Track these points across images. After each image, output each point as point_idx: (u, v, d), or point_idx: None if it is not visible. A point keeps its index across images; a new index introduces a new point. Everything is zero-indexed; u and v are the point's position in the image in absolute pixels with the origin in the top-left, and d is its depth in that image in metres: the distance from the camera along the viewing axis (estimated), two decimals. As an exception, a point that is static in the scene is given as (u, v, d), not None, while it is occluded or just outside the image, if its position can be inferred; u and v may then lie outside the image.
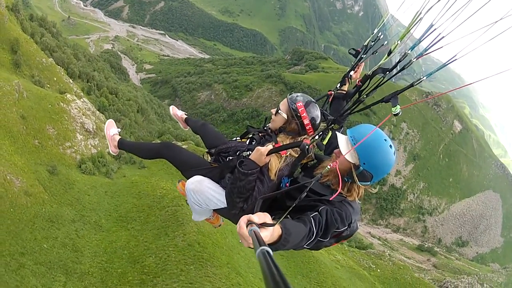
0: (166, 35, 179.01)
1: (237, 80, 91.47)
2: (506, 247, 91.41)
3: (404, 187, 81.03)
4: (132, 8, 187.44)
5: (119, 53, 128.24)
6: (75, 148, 25.04)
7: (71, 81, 34.85)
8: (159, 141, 5.28)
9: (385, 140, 2.92)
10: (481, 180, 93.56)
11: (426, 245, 70.75)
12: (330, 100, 4.03)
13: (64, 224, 19.53)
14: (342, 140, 3.04)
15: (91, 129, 27.00)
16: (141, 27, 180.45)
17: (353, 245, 41.55)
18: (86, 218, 20.60)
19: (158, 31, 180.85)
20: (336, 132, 3.16)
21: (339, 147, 3.03)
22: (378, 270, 32.40)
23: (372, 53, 3.68)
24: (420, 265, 55.52)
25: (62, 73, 33.97)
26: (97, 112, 31.20)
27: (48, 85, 30.73)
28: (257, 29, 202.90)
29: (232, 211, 3.34)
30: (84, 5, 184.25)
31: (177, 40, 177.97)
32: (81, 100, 27.79)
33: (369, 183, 3.03)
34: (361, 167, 2.93)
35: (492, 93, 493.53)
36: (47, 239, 18.41)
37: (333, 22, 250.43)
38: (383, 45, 3.31)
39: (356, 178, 2.97)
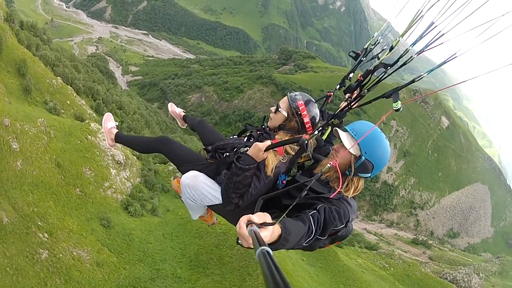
0: (149, 35, 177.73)
1: (227, 82, 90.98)
2: (496, 237, 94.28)
3: (396, 183, 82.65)
4: (115, 9, 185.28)
5: (105, 56, 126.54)
6: (114, 187, 22.93)
7: (83, 102, 32.82)
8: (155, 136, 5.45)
9: (381, 131, 3.11)
10: (469, 173, 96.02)
11: (420, 238, 72.12)
12: (329, 101, 4.01)
13: (147, 286, 18.13)
14: (343, 135, 3.14)
15: (121, 160, 24.86)
16: (124, 27, 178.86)
17: (362, 246, 42.57)
18: (162, 272, 19.18)
19: (141, 31, 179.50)
20: (337, 128, 3.25)
21: (340, 142, 3.16)
22: (392, 269, 33.51)
23: (372, 58, 3.52)
24: (417, 258, 56.50)
25: (75, 94, 31.79)
26: (119, 137, 29.56)
27: (63, 111, 28.08)
28: (240, 26, 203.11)
29: (227, 207, 3.32)
30: (66, 7, 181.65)
31: (160, 40, 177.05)
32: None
33: (369, 175, 3.11)
34: (363, 157, 3.02)
35: (475, 83, 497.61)
36: (143, 311, 17.01)
37: (315, 18, 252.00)
38: (382, 50, 3.23)
39: (355, 170, 3.05)
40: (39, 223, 17.03)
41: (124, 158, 25.34)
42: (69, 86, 32.05)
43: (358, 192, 3.13)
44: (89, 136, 23.25)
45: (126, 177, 25.02)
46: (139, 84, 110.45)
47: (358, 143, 2.99)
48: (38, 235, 16.47)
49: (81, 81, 39.23)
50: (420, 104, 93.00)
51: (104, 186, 22.28)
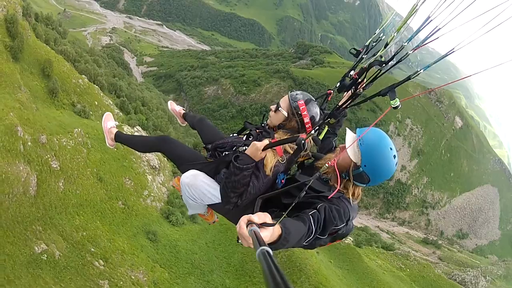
0: (164, 26, 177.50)
1: (244, 75, 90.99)
2: (503, 239, 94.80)
3: (409, 181, 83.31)
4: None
5: (120, 46, 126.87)
6: (152, 194, 22.64)
7: (110, 101, 31.54)
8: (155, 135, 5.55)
9: (391, 148, 2.97)
10: (480, 174, 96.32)
11: (430, 238, 73.20)
12: (329, 99, 3.97)
13: (201, 300, 17.80)
14: (350, 136, 3.10)
15: (156, 165, 24.49)
16: (138, 17, 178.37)
17: (379, 246, 43.49)
18: (212, 284, 19.23)
19: (155, 22, 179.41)
20: (347, 129, 3.24)
21: (345, 142, 3.12)
22: (408, 270, 34.50)
23: (373, 55, 3.35)
24: (427, 257, 57.20)
25: (101, 94, 30.57)
26: (148, 137, 28.76)
27: (91, 113, 26.66)
28: (255, 18, 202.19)
29: (226, 206, 3.29)
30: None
31: (174, 31, 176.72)
32: (135, 129, 25.11)
33: (364, 185, 3.07)
34: (361, 168, 2.96)
35: (487, 83, 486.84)
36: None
37: (329, 11, 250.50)
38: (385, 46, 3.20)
39: (352, 177, 3.03)
40: (92, 249, 16.55)
41: (158, 162, 24.87)
42: (95, 85, 30.93)
43: (358, 199, 3.12)
44: (124, 143, 22.96)
45: (161, 182, 24.68)
46: (154, 75, 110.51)
47: (361, 154, 2.97)
48: (94, 264, 15.97)
49: (103, 77, 37.99)
50: (435, 103, 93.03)
51: (144, 195, 22.00)
